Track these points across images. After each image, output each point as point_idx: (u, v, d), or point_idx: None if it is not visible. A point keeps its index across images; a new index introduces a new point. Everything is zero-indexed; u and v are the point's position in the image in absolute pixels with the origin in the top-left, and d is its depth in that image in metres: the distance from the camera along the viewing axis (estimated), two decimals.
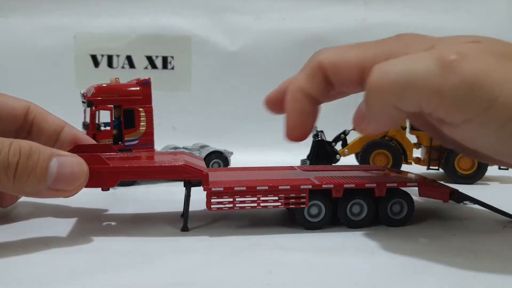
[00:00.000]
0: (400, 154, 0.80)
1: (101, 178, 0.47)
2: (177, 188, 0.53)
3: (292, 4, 1.10)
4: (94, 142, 0.60)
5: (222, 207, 0.49)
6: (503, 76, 0.38)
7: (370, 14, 1.10)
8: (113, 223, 0.53)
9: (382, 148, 0.80)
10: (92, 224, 0.52)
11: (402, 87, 0.40)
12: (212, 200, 0.48)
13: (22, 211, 0.56)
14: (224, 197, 0.48)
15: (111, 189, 0.53)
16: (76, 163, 0.44)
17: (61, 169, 0.43)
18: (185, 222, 0.50)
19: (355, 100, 0.53)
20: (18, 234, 0.47)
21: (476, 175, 0.78)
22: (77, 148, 0.53)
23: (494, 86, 0.38)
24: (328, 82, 0.48)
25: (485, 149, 0.43)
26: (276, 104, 0.54)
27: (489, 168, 0.78)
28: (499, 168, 0.79)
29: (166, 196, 0.65)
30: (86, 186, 0.46)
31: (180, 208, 0.52)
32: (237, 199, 0.48)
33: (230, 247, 0.45)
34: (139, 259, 0.42)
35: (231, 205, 0.49)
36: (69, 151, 0.48)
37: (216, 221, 0.53)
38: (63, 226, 0.51)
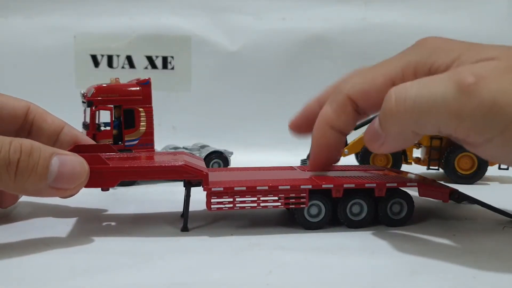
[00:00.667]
0: (400, 154, 0.80)
1: (101, 178, 0.47)
2: (177, 188, 0.53)
3: (292, 4, 1.10)
4: (94, 143, 0.60)
5: (222, 207, 0.49)
6: None
7: (370, 14, 1.10)
8: (113, 223, 0.53)
9: None
10: (92, 224, 0.52)
11: (420, 112, 0.40)
12: (212, 200, 0.48)
13: (22, 211, 0.56)
14: (224, 197, 0.48)
15: (111, 189, 0.53)
16: (77, 162, 0.44)
17: (62, 168, 0.43)
18: (185, 222, 0.50)
19: None
20: (18, 234, 0.47)
21: (476, 175, 0.78)
22: (77, 148, 0.53)
23: None
24: (357, 110, 0.49)
25: (508, 163, 0.43)
26: (301, 128, 0.55)
27: (489, 168, 0.78)
28: (499, 168, 0.79)
29: (166, 196, 0.65)
30: (86, 186, 0.46)
31: (180, 208, 0.52)
32: (237, 199, 0.48)
33: (230, 247, 0.45)
34: (139, 259, 0.42)
35: (231, 205, 0.49)
36: (69, 151, 0.48)
37: (216, 221, 0.53)
38: (63, 226, 0.51)
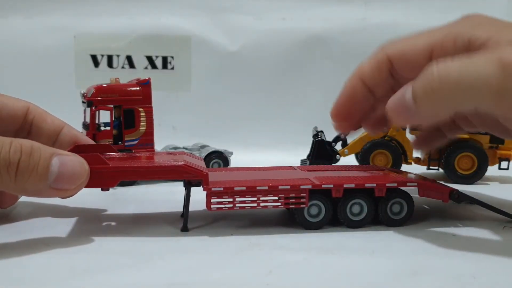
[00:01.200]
0: (400, 154, 0.80)
1: (101, 178, 0.47)
2: (177, 188, 0.53)
3: (292, 4, 1.10)
4: (94, 143, 0.60)
5: (222, 207, 0.49)
6: None
7: (370, 14, 1.10)
8: (113, 223, 0.53)
9: (382, 148, 0.80)
10: (92, 224, 0.52)
11: (462, 90, 0.41)
12: (212, 200, 0.48)
13: (22, 212, 0.56)
14: (224, 197, 0.48)
15: (111, 189, 0.53)
16: (78, 162, 0.45)
17: (62, 168, 0.43)
18: (185, 222, 0.50)
19: None
20: (18, 234, 0.47)
21: (476, 175, 0.78)
22: (77, 148, 0.53)
23: None
24: (392, 74, 0.50)
25: None
26: (347, 115, 0.53)
27: (489, 168, 0.78)
28: (499, 168, 0.79)
29: (166, 196, 0.65)
30: (86, 186, 0.46)
31: (180, 208, 0.52)
32: (237, 199, 0.48)
33: (230, 247, 0.45)
34: (139, 259, 0.42)
35: (231, 205, 0.49)
36: (69, 151, 0.48)
37: (216, 221, 0.53)
38: (63, 226, 0.51)
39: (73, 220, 0.53)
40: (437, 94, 0.42)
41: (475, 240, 0.47)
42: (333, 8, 1.10)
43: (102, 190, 0.52)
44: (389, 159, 0.80)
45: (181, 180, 0.50)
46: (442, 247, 0.45)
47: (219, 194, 0.48)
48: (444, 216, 0.56)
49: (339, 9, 1.10)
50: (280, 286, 0.37)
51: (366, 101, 0.51)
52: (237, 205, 0.49)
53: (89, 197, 0.58)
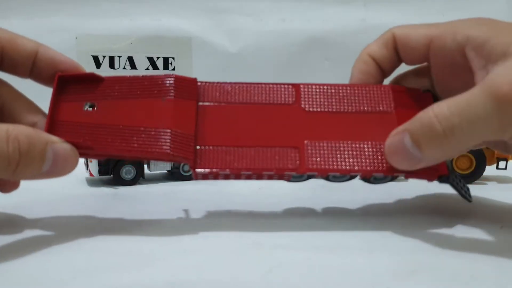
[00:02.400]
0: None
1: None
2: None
3: (291, 5, 1.10)
4: (74, 64, 0.56)
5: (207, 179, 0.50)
6: None
7: (370, 15, 1.10)
8: (113, 223, 0.53)
9: None
10: (93, 224, 0.53)
11: (466, 134, 0.42)
12: (197, 175, 0.49)
13: (22, 210, 0.56)
14: (209, 176, 0.49)
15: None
16: (70, 151, 0.45)
17: (55, 158, 0.44)
18: None
19: None
20: (17, 234, 0.48)
21: (474, 175, 0.77)
22: (61, 82, 0.52)
23: None
24: (397, 53, 0.53)
25: None
26: None
27: (487, 167, 0.78)
28: (497, 168, 0.79)
29: (168, 196, 0.65)
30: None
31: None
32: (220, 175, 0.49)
33: (230, 246, 0.45)
34: (139, 259, 0.42)
35: (215, 178, 0.49)
36: (54, 86, 0.50)
37: (216, 221, 0.53)
38: (63, 226, 0.51)
39: (73, 220, 0.53)
40: (441, 141, 0.43)
41: (473, 239, 0.47)
42: (332, 9, 1.10)
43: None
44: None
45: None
46: (441, 246, 0.46)
47: (204, 175, 0.49)
48: (442, 215, 0.56)
49: (339, 10, 1.10)
50: (280, 285, 0.37)
51: (377, 75, 0.54)
52: (221, 178, 0.49)
53: (89, 197, 0.58)
